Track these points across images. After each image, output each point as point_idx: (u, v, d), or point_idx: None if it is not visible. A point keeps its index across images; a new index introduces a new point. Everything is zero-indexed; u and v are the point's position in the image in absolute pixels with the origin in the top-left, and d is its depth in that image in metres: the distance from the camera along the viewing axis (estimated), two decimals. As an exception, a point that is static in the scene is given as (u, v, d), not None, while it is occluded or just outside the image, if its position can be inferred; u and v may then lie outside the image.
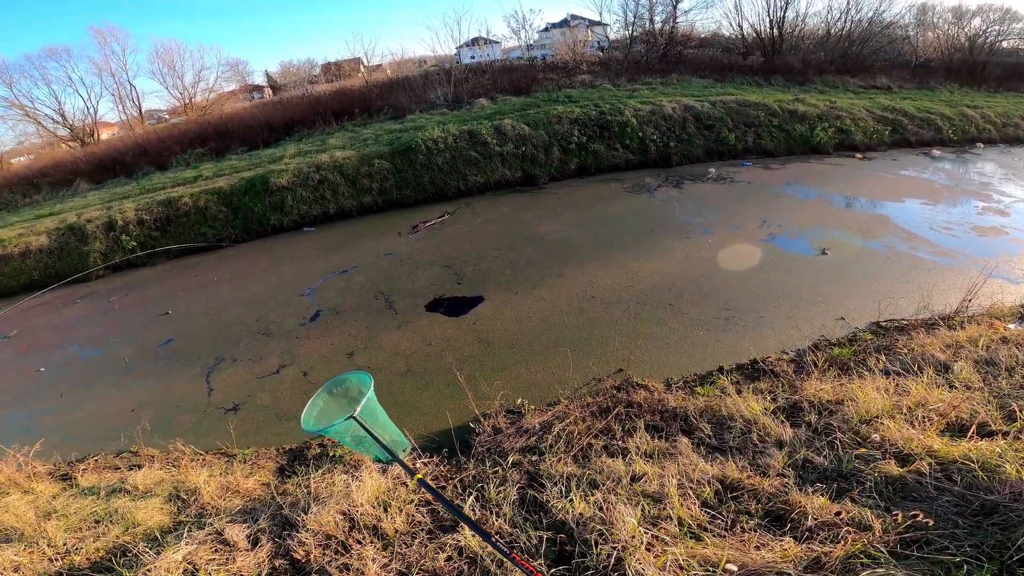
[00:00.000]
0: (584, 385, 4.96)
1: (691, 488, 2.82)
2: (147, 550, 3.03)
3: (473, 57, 34.84)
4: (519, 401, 4.76)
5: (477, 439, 4.10)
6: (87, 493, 4.33)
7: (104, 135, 34.24)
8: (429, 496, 3.06)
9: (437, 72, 22.74)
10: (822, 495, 2.63)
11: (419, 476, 1.97)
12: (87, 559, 3.27)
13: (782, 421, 3.59)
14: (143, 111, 36.99)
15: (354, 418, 2.62)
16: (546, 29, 39.45)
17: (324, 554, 2.78)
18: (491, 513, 2.84)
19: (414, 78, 22.34)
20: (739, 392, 4.24)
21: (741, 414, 3.74)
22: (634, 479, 3.01)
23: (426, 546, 2.72)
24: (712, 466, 3.07)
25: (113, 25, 36.36)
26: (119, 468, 5.02)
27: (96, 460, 5.28)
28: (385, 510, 2.96)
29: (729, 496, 2.78)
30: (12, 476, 4.86)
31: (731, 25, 28.60)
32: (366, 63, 42.09)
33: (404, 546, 2.74)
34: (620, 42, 29.80)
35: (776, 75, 21.33)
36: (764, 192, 10.75)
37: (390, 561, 2.69)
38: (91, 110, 34.94)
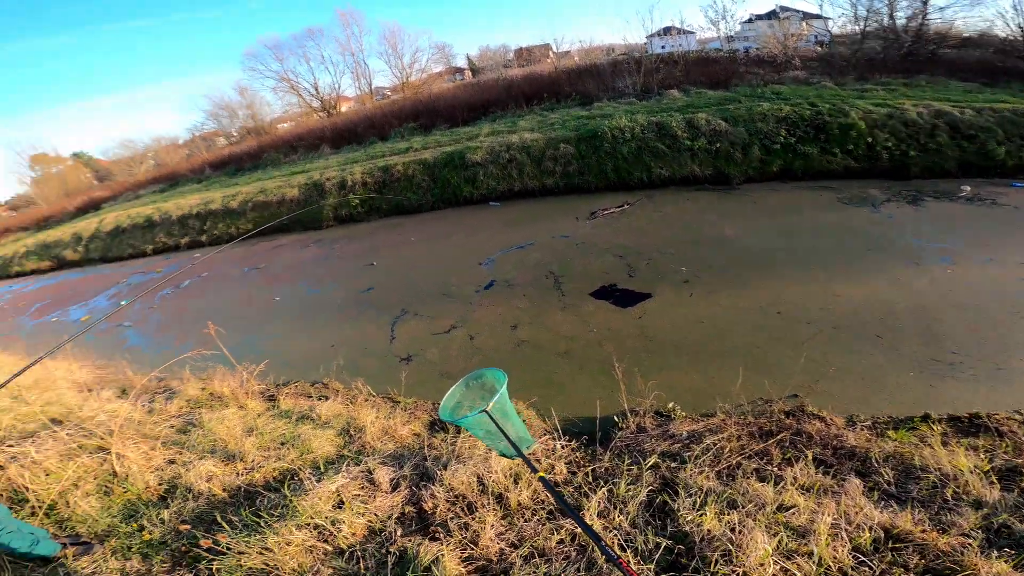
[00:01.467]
0: (748, 403, 4.48)
1: (846, 530, 2.46)
2: (311, 477, 3.46)
3: (664, 47, 33.08)
4: (671, 405, 4.55)
5: (619, 433, 4.01)
6: (282, 416, 4.96)
7: (343, 107, 41.06)
8: (558, 474, 3.12)
9: (626, 61, 22.16)
10: (1006, 562, 2.18)
11: (541, 473, 2.03)
12: (263, 478, 3.78)
13: (991, 482, 2.95)
14: (372, 87, 43.19)
15: (486, 412, 2.74)
16: (750, 20, 35.50)
17: (450, 510, 3.01)
18: (615, 508, 2.80)
19: (602, 66, 22.13)
20: (945, 444, 3.53)
21: (940, 467, 3.15)
22: (780, 508, 2.72)
23: (543, 524, 2.79)
24: (881, 513, 2.65)
25: (354, 8, 42.89)
26: (311, 396, 5.70)
27: (296, 386, 6.02)
28: (515, 482, 3.09)
29: (889, 546, 2.39)
30: (235, 391, 5.68)
31: (1008, 25, 22.17)
32: (555, 49, 43.08)
33: (522, 520, 2.86)
34: (846, 37, 25.48)
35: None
36: (1040, 221, 8.30)
37: (506, 531, 2.83)
38: (336, 85, 41.68)
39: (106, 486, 4.07)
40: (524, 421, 4.51)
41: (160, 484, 3.99)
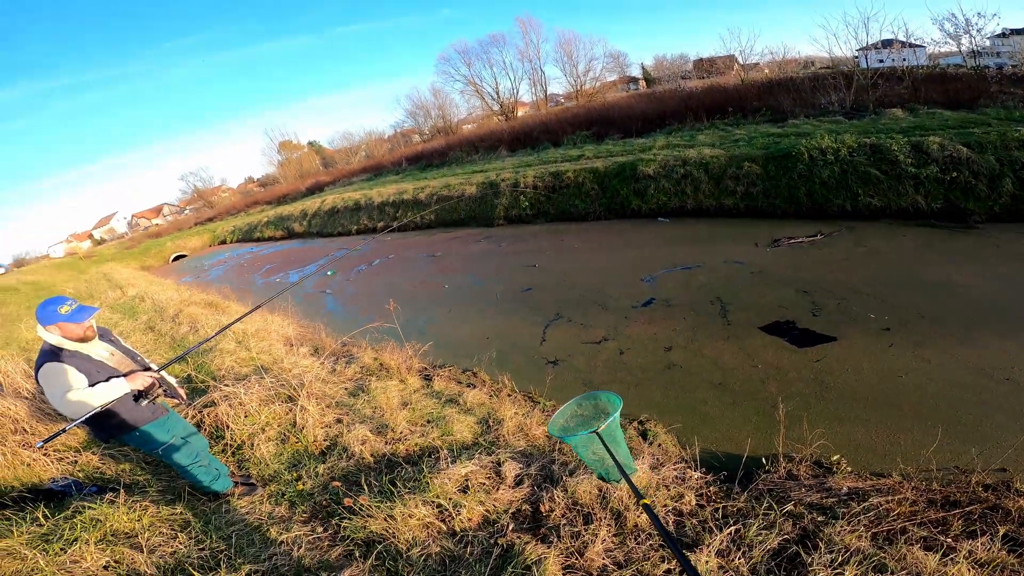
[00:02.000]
0: (938, 469, 3.67)
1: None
2: (447, 457, 3.64)
3: (882, 61, 28.07)
4: (835, 457, 3.93)
5: (763, 476, 3.58)
6: (433, 395, 5.27)
7: (520, 112, 43.55)
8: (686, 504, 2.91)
9: (832, 75, 19.40)
10: None
11: (645, 501, 1.91)
12: (406, 450, 3.99)
13: None
14: (547, 94, 44.89)
15: (597, 434, 2.70)
16: (1003, 35, 28.05)
17: (565, 516, 3.00)
18: (738, 550, 2.57)
19: (800, 80, 19.73)
20: None
21: None
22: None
23: (655, 551, 2.65)
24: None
25: (532, 16, 44.85)
26: (460, 383, 5.93)
27: (449, 370, 6.36)
28: (638, 504, 2.96)
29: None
30: (399, 365, 6.10)
31: None
32: (740, 61, 39.71)
33: (635, 541, 2.75)
34: None
35: None
36: None
37: (615, 549, 2.75)
38: (515, 90, 44.44)
39: (284, 434, 4.47)
40: (659, 445, 4.39)
41: (325, 440, 4.35)
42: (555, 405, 5.21)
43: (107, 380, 2.90)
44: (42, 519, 3.30)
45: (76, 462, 4.33)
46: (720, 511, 3.10)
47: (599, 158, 14.55)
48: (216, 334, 4.95)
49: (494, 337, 7.43)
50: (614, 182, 12.69)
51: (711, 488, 3.40)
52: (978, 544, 2.68)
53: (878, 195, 10.17)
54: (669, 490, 3.24)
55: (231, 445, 4.47)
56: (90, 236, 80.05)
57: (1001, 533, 2.80)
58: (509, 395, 5.33)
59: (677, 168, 12.13)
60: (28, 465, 4.13)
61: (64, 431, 2.86)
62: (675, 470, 3.56)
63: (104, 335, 3.22)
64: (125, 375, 3.01)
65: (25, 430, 4.58)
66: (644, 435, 4.53)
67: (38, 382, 2.87)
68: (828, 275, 7.75)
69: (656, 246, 10.17)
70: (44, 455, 4.23)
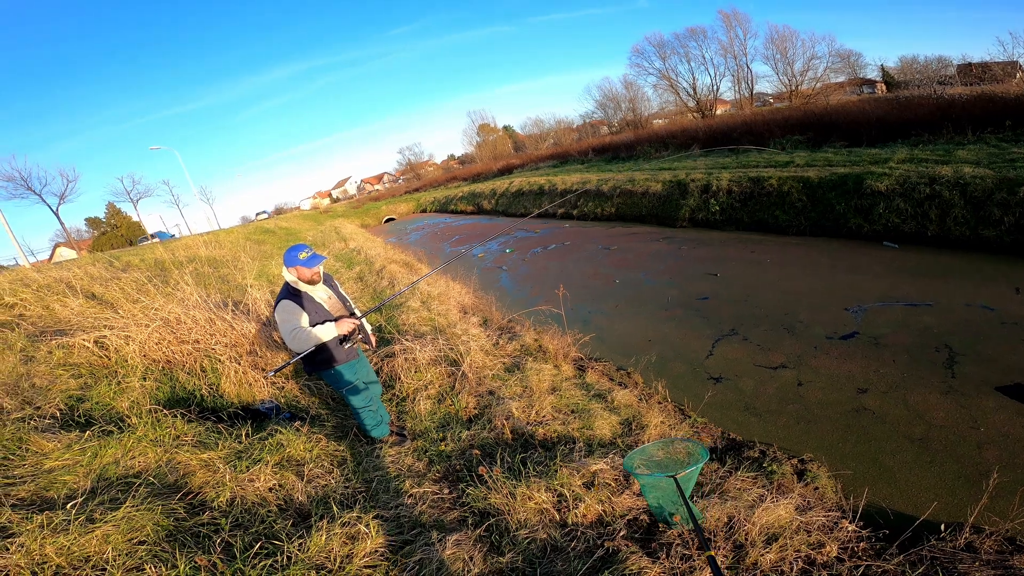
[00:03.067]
0: None
1: None
2: (582, 449, 3.68)
3: None
4: None
5: (933, 543, 3.03)
6: (583, 387, 5.27)
7: (719, 111, 40.58)
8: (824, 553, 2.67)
9: None
10: None
11: (710, 553, 1.76)
12: (544, 434, 4.07)
13: None
14: (753, 92, 40.98)
15: (674, 479, 2.61)
16: None
17: (681, 537, 2.87)
18: None
19: None
20: None
21: None
22: None
23: None
24: None
25: (738, 10, 40.29)
26: (612, 379, 5.85)
27: (604, 365, 6.32)
28: (767, 543, 2.83)
29: None
30: (557, 351, 6.19)
31: None
32: (1024, 68, 30.27)
33: None
34: None
35: None
36: None
37: None
38: (714, 87, 41.62)
39: (442, 395, 4.82)
40: (815, 489, 4.00)
41: (474, 409, 4.63)
42: (706, 423, 5.04)
43: (323, 323, 3.52)
44: (243, 437, 3.77)
45: (283, 388, 5.04)
46: (862, 569, 2.75)
47: (813, 167, 12.90)
48: (404, 290, 5.84)
49: (657, 341, 7.30)
50: (830, 195, 11.15)
51: (861, 544, 3.03)
52: None
53: None
54: (809, 535, 2.97)
55: (398, 396, 4.94)
56: (329, 195, 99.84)
57: None
58: (659, 403, 5.23)
59: (921, 186, 10.14)
60: (250, 384, 4.86)
61: (289, 364, 3.60)
62: (826, 517, 3.24)
63: (327, 280, 3.82)
64: (335, 319, 3.62)
65: (256, 352, 5.40)
66: (800, 474, 4.07)
67: (274, 314, 3.54)
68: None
69: (874, 274, 8.78)
70: (264, 379, 4.95)
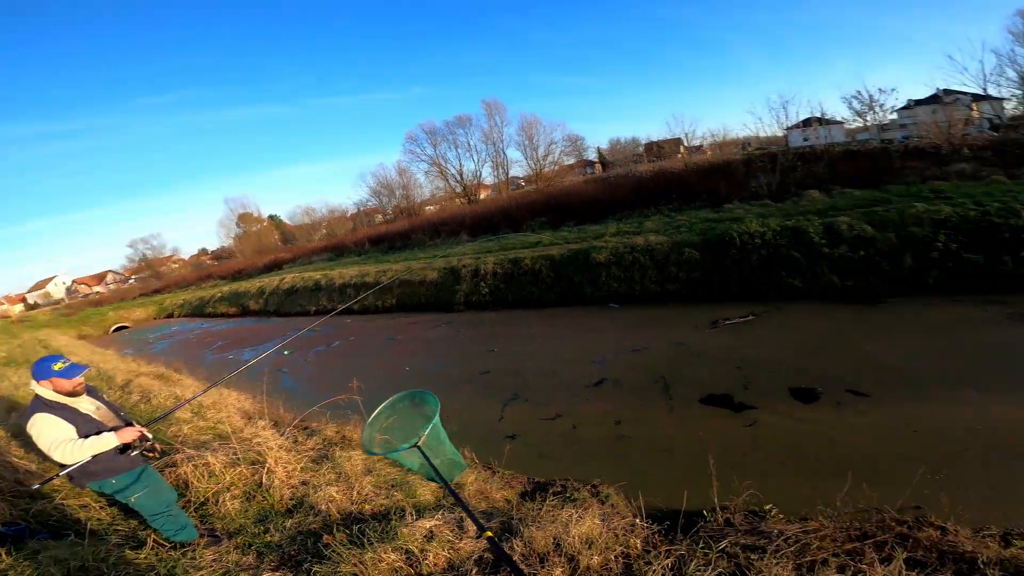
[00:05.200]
0: (857, 512, 4.11)
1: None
2: (412, 513, 3.89)
3: (806, 139, 31.55)
4: (768, 507, 4.44)
5: (703, 524, 3.99)
6: (396, 464, 5.47)
7: (482, 195, 44.90)
8: (633, 549, 3.23)
9: (760, 158, 21.78)
10: None
11: (488, 534, 1.90)
12: (372, 509, 4.26)
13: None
14: (508, 177, 45.83)
15: (418, 448, 2.75)
16: (907, 107, 31.92)
17: (524, 561, 3.28)
18: None
19: (735, 164, 22.03)
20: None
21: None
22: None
23: None
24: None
25: (497, 100, 47.11)
26: None
27: None
28: (589, 547, 3.35)
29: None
30: (360, 438, 6.27)
31: None
32: (686, 143, 43.34)
33: None
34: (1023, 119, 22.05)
35: None
36: None
37: None
38: (478, 172, 45.38)
39: (250, 493, 4.73)
40: (612, 505, 4.72)
41: (291, 500, 4.61)
42: (513, 473, 5.63)
43: (97, 433, 3.23)
44: (4, 556, 3.38)
45: (28, 510, 4.44)
46: (663, 554, 3.42)
47: (555, 245, 15.49)
48: (192, 399, 5.22)
49: (454, 415, 7.67)
50: (569, 269, 13.49)
51: (656, 536, 3.77)
52: (889, 569, 3.07)
53: (799, 277, 11.30)
54: (618, 538, 3.57)
55: (194, 502, 4.66)
56: (23, 300, 75.16)
57: (903, 557, 3.20)
58: (470, 465, 5.61)
59: (626, 255, 13.08)
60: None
61: (58, 476, 3.23)
62: (624, 522, 3.89)
63: (91, 392, 3.54)
64: (113, 429, 3.32)
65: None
66: (596, 495, 4.91)
67: (27, 430, 3.15)
68: (760, 352, 8.52)
69: (607, 331, 10.79)
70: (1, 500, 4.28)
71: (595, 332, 10.84)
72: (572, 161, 49.06)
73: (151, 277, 60.21)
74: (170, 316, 33.13)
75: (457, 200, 43.33)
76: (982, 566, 3.07)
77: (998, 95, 24.04)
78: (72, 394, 3.32)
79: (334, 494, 4.46)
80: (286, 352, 14.54)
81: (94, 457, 3.25)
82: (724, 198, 17.95)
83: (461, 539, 3.56)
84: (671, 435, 6.38)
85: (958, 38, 68.51)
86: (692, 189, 19.79)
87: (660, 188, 20.78)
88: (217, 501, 4.62)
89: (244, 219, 64.90)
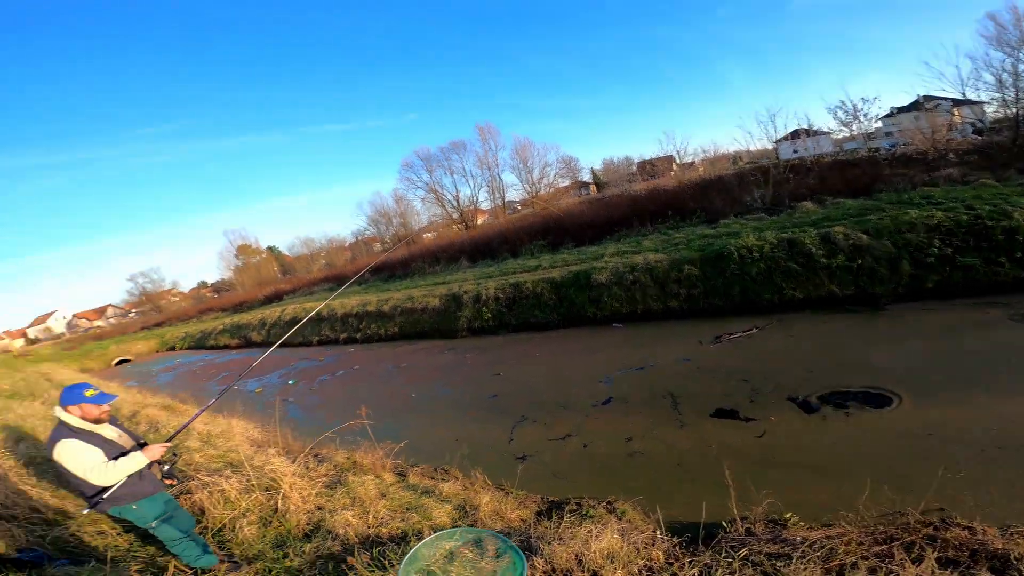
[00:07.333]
0: (880, 516, 4.13)
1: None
2: (431, 535, 3.86)
3: (795, 151, 31.90)
4: (788, 515, 4.41)
5: (724, 535, 3.97)
6: (410, 488, 5.63)
7: (479, 220, 44.81)
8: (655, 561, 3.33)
9: (752, 172, 22.10)
10: None
11: None
12: (389, 532, 4.33)
13: None
14: (505, 201, 45.65)
15: None
16: (890, 114, 32.41)
17: None
18: None
19: (728, 179, 22.32)
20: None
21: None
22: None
23: None
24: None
25: (491, 124, 47.29)
26: (434, 478, 6.33)
27: (423, 468, 6.74)
28: (611, 561, 3.36)
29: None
30: (374, 463, 6.44)
31: None
32: (678, 161, 43.92)
33: None
34: (1004, 122, 22.28)
35: None
36: None
37: None
38: (474, 198, 45.24)
39: (266, 519, 4.77)
40: (628, 521, 4.70)
41: (308, 524, 4.64)
42: (527, 493, 5.62)
43: (125, 454, 3.34)
44: None
45: (45, 536, 4.44)
46: (687, 564, 3.43)
47: (555, 268, 15.62)
48: (192, 419, 5.18)
49: (464, 439, 7.73)
50: (570, 291, 13.60)
51: (677, 548, 3.78)
52: (920, 569, 3.08)
53: (799, 287, 11.40)
54: (640, 551, 3.59)
55: (210, 528, 4.68)
56: (24, 334, 74.73)
57: (934, 556, 3.23)
58: (483, 487, 5.68)
59: (627, 275, 13.20)
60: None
61: (102, 498, 3.26)
62: (644, 536, 3.92)
63: (113, 420, 3.65)
64: (140, 447, 3.47)
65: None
66: (612, 511, 4.96)
67: (53, 457, 3.21)
68: (764, 364, 8.55)
69: (611, 350, 10.84)
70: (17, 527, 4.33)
71: (600, 352, 10.89)
72: (567, 183, 49.29)
73: (152, 310, 60.13)
74: (172, 349, 33.11)
75: (454, 226, 43.14)
76: (1015, 561, 3.11)
77: (977, 99, 24.47)
78: (97, 421, 3.42)
79: (350, 518, 4.50)
80: (291, 382, 14.59)
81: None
82: (719, 213, 18.10)
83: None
84: (683, 449, 6.40)
85: (933, 44, 69.93)
86: (687, 206, 19.87)
87: (656, 206, 20.91)
88: (234, 527, 4.66)
89: (243, 251, 64.96)
